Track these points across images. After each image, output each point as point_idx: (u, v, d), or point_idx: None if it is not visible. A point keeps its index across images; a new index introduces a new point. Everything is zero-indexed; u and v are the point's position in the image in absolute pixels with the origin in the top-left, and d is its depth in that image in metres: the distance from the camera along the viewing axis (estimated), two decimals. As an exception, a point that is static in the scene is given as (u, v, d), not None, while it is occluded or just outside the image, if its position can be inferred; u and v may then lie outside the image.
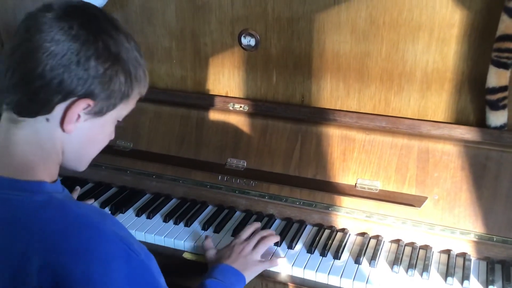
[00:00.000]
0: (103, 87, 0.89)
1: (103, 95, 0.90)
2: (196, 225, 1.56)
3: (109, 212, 1.63)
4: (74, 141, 0.94)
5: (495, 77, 1.34)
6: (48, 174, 0.93)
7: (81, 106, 0.89)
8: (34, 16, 0.88)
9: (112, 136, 1.02)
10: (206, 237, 1.46)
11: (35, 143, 0.91)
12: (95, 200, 1.69)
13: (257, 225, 1.48)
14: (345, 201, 1.49)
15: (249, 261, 1.33)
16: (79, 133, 0.93)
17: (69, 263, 0.82)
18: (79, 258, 0.82)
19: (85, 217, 0.87)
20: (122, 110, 0.98)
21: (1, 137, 0.91)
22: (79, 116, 0.90)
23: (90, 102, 0.89)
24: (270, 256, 1.40)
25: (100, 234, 0.86)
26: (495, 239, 1.35)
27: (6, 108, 0.90)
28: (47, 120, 0.89)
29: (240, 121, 1.65)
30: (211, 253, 1.39)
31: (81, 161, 1.01)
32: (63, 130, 0.90)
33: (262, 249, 1.38)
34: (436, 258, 1.39)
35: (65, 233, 0.84)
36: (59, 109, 0.88)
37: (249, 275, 1.31)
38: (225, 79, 1.72)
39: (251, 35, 1.62)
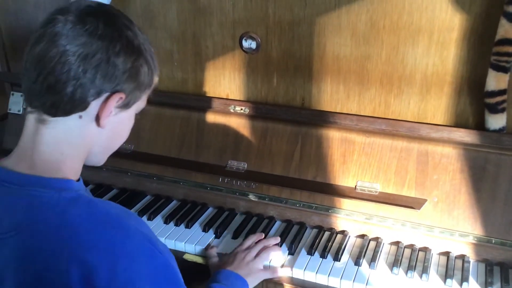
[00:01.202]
0: (131, 80, 0.93)
1: (131, 88, 0.94)
2: (197, 226, 1.56)
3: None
4: (104, 136, 0.97)
5: (494, 81, 1.35)
6: (73, 171, 0.96)
7: (115, 100, 0.92)
8: (55, 21, 0.89)
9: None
10: (211, 246, 1.46)
11: (64, 141, 0.93)
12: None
13: (261, 235, 1.48)
14: (345, 203, 1.50)
15: (252, 268, 1.33)
16: (109, 128, 0.96)
17: (96, 259, 0.83)
18: (105, 254, 0.84)
19: (112, 214, 0.89)
20: (142, 102, 1.01)
21: (28, 138, 0.93)
22: (111, 110, 0.93)
23: (122, 95, 0.92)
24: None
25: (126, 231, 0.88)
26: (493, 241, 1.36)
27: (33, 111, 0.92)
28: (80, 117, 0.92)
29: (240, 124, 1.65)
30: (214, 260, 1.40)
31: (105, 155, 1.04)
32: (99, 125, 0.93)
33: (265, 257, 1.38)
34: (435, 260, 1.40)
35: (92, 230, 0.85)
36: (94, 105, 0.91)
37: (252, 282, 1.31)
38: (226, 82, 1.73)
39: (252, 38, 1.63)
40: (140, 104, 1.00)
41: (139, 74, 0.94)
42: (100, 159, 1.03)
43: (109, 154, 1.04)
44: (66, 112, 0.91)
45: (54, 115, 0.91)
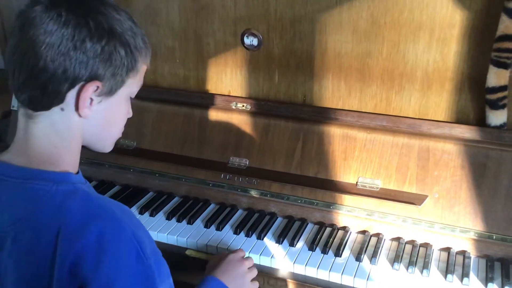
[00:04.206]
0: (105, 65, 0.89)
1: (108, 74, 0.90)
2: (199, 223, 1.57)
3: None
4: (93, 125, 0.95)
5: (495, 77, 1.35)
6: (71, 164, 0.95)
7: (91, 89, 0.89)
8: (25, 13, 0.89)
9: (130, 114, 1.03)
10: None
11: (54, 134, 0.92)
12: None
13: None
14: (346, 200, 1.50)
15: (244, 282, 1.29)
16: (96, 116, 0.94)
17: (84, 252, 0.84)
18: (94, 248, 0.84)
19: (107, 210, 0.89)
20: (133, 86, 0.98)
21: (21, 133, 0.93)
22: (92, 99, 0.91)
23: (98, 84, 0.90)
24: None
25: (118, 229, 0.87)
26: (494, 237, 1.36)
27: (20, 106, 0.93)
28: (62, 109, 0.91)
29: (242, 120, 1.66)
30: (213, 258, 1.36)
31: (105, 143, 1.02)
32: (80, 115, 0.92)
33: (254, 272, 1.34)
34: (436, 256, 1.40)
35: (85, 223, 0.85)
36: (71, 96, 0.90)
37: None
38: (228, 79, 1.74)
39: (254, 35, 1.63)
40: (130, 89, 0.97)
41: (113, 57, 0.90)
42: (102, 147, 1.02)
43: (110, 141, 1.02)
44: (46, 106, 0.90)
45: (35, 109, 0.90)
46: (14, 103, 1.94)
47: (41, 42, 0.85)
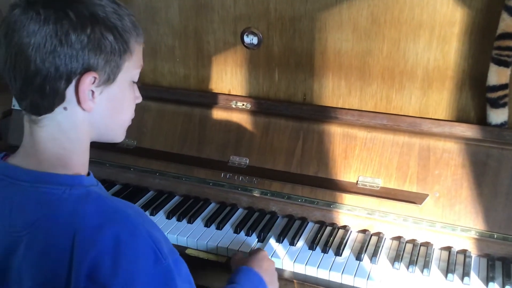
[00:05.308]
0: (96, 54, 0.87)
1: (102, 62, 0.88)
2: (199, 222, 1.57)
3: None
4: (99, 117, 0.93)
5: (496, 75, 1.35)
6: (82, 165, 0.94)
7: (88, 81, 0.88)
8: (6, 20, 0.88)
9: (139, 99, 1.02)
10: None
11: (61, 136, 0.91)
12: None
13: None
14: (347, 199, 1.50)
15: (276, 278, 1.29)
16: (101, 107, 0.92)
17: (101, 257, 0.83)
18: (111, 253, 0.83)
19: (121, 213, 0.88)
20: (131, 69, 0.95)
21: (28, 138, 0.93)
22: (92, 92, 0.90)
23: (94, 74, 0.88)
24: None
25: (133, 231, 0.86)
26: (495, 236, 1.36)
27: (24, 113, 0.92)
28: (65, 108, 0.90)
29: (242, 119, 1.66)
30: (236, 257, 1.37)
31: (117, 132, 1.00)
32: (84, 110, 0.90)
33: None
34: (436, 255, 1.40)
35: (100, 227, 0.84)
36: (70, 93, 0.88)
37: None
38: (228, 77, 1.74)
39: (254, 34, 1.63)
40: (129, 72, 0.95)
41: (102, 44, 0.87)
42: (114, 137, 1.00)
43: (121, 129, 1.00)
44: (48, 109, 0.89)
45: (39, 114, 0.90)
46: (15, 102, 1.94)
47: (27, 44, 0.84)
